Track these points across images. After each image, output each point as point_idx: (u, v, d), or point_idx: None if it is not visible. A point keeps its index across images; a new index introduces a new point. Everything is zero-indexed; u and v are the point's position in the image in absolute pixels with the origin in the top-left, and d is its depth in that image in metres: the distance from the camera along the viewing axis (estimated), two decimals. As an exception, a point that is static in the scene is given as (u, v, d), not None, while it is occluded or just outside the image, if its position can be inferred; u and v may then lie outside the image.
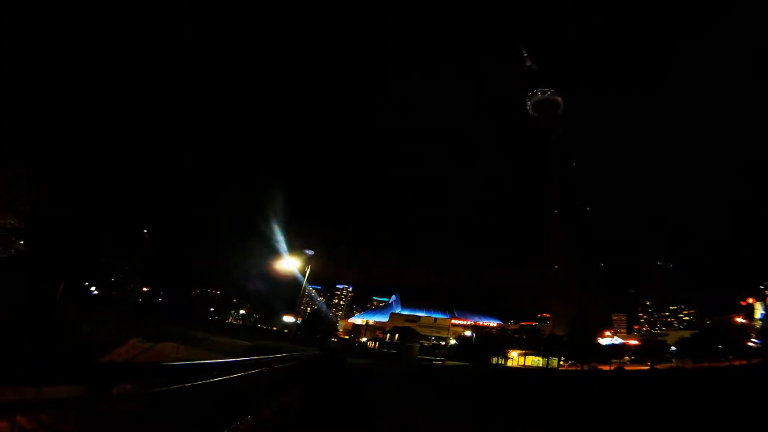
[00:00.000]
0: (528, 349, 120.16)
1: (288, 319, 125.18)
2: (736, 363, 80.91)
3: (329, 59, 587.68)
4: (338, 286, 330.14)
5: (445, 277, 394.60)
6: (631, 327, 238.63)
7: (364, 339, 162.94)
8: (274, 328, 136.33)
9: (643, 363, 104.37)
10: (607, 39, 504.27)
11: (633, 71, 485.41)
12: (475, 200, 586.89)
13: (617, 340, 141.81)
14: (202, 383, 7.96)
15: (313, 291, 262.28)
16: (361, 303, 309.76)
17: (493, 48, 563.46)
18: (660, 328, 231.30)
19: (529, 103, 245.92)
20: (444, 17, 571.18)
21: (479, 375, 59.93)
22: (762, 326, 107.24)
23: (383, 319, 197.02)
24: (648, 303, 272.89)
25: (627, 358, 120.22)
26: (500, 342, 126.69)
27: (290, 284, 77.35)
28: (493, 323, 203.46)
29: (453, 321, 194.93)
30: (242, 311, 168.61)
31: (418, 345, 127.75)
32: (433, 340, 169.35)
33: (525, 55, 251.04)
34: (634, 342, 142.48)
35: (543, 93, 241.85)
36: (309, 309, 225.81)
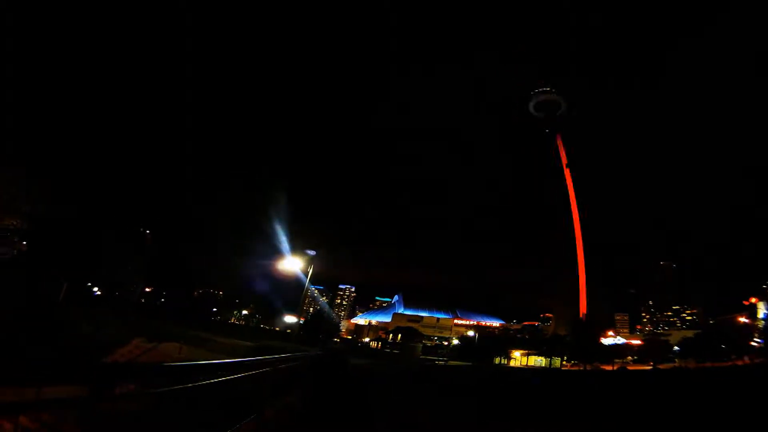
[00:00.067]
0: (531, 349, 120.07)
1: (291, 319, 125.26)
2: (739, 363, 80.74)
3: (329, 59, 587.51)
4: (341, 287, 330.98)
5: (446, 277, 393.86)
6: (633, 327, 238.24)
7: (367, 339, 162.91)
8: (277, 329, 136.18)
9: (646, 363, 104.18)
10: (607, 39, 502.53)
11: (633, 71, 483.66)
12: (475, 200, 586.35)
13: (620, 340, 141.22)
14: (205, 383, 7.98)
15: (316, 291, 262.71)
16: (363, 303, 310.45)
17: (493, 48, 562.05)
18: (663, 328, 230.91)
19: (529, 102, 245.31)
20: (444, 17, 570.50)
21: (480, 375, 59.83)
22: (765, 326, 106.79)
23: (386, 319, 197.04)
24: (651, 303, 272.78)
25: (630, 358, 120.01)
26: (503, 342, 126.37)
27: (293, 284, 77.39)
28: (496, 323, 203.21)
29: (455, 321, 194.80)
30: (245, 312, 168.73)
31: (421, 345, 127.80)
32: (436, 340, 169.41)
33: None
34: (637, 342, 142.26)
35: (544, 93, 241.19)
36: (312, 309, 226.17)
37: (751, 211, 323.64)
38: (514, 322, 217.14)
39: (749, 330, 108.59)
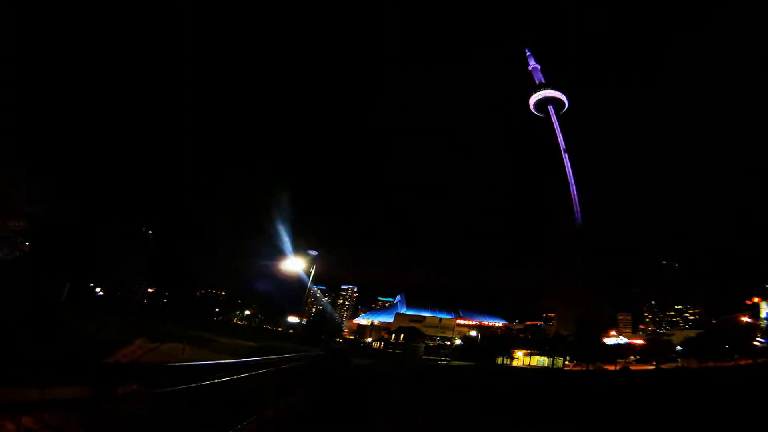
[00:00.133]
0: (533, 349, 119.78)
1: (293, 319, 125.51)
2: (742, 362, 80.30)
3: (329, 59, 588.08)
4: (343, 287, 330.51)
5: (446, 277, 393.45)
6: (636, 326, 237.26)
7: (369, 339, 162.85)
8: (279, 329, 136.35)
9: (649, 363, 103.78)
10: (608, 39, 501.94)
11: (633, 71, 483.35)
12: (476, 200, 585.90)
13: (622, 340, 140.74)
14: (208, 384, 7.98)
15: (318, 291, 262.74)
16: (366, 303, 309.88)
17: (494, 48, 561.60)
18: (665, 328, 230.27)
19: (530, 103, 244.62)
20: (444, 17, 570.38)
21: (482, 375, 59.71)
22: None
23: (388, 319, 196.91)
24: (653, 302, 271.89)
25: (632, 357, 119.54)
26: (505, 342, 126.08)
27: (295, 285, 77.33)
28: (498, 323, 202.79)
29: (458, 321, 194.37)
30: (247, 312, 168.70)
31: (423, 345, 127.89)
32: (438, 340, 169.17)
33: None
34: (640, 342, 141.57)
35: (544, 93, 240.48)
36: (314, 309, 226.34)
37: (752, 211, 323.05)
38: (516, 322, 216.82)
39: (752, 330, 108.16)
